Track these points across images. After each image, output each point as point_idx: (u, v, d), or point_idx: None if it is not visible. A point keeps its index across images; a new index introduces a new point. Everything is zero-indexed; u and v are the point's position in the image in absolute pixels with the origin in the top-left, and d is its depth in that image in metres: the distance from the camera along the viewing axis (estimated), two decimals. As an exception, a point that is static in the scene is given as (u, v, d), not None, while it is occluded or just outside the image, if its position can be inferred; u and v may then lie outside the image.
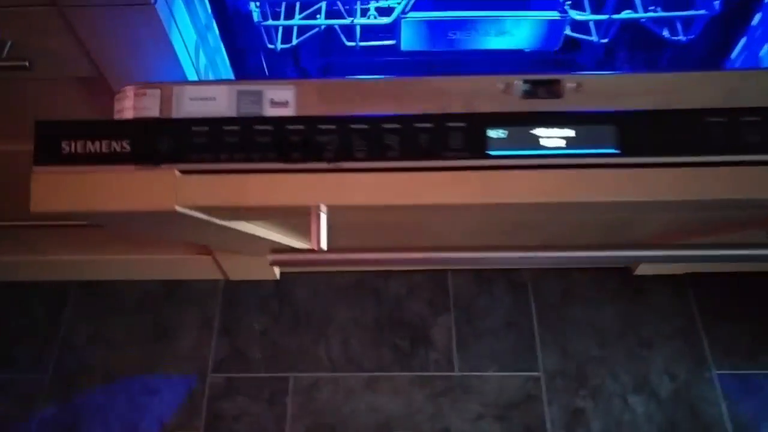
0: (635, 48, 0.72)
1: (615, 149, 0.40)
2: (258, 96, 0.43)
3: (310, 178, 0.40)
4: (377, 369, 1.06)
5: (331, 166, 0.40)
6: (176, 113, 0.43)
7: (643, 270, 1.10)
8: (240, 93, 0.43)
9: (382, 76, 0.43)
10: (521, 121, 0.40)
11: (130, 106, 0.43)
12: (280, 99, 0.42)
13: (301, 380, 1.05)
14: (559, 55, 0.69)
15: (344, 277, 1.15)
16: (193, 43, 0.56)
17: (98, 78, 0.57)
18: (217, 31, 0.63)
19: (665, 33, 0.65)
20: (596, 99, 0.42)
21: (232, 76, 0.70)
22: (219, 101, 0.42)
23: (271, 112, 0.42)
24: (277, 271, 1.12)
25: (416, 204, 0.40)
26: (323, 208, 0.40)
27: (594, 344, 1.06)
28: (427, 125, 0.40)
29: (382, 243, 0.72)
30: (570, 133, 0.40)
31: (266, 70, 0.71)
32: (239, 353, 1.07)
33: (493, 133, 0.40)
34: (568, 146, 0.40)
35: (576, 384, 1.03)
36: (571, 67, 0.73)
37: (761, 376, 1.02)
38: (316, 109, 0.42)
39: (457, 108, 0.42)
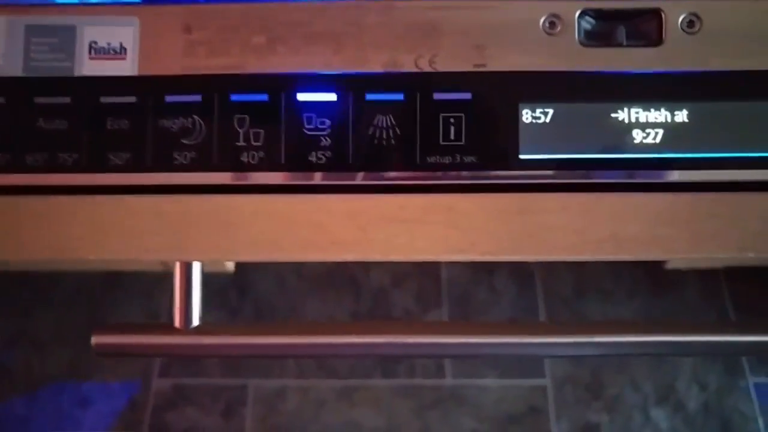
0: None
1: None
2: (68, 36, 0.22)
3: (152, 202, 0.21)
4: (353, 376, 1.00)
5: (197, 178, 0.21)
6: None
7: (674, 263, 1.00)
8: (30, 30, 0.22)
9: None
10: (587, 90, 0.20)
11: None
12: (109, 43, 0.22)
13: (262, 388, 1.00)
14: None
15: (316, 265, 1.05)
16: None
17: None
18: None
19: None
20: (729, 48, 0.21)
21: None
22: (-9, 46, 0.22)
23: (89, 68, 0.22)
24: (230, 264, 0.99)
25: (370, 259, 0.21)
26: (195, 266, 0.25)
27: (612, 348, 0.99)
28: (394, 98, 0.21)
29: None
30: (681, 115, 0.20)
31: None
32: (189, 355, 1.00)
33: (529, 115, 0.20)
34: (672, 144, 0.20)
35: (589, 394, 0.94)
36: None
37: (807, 386, 1.00)
38: (177, 63, 0.22)
39: (455, 60, 0.22)
